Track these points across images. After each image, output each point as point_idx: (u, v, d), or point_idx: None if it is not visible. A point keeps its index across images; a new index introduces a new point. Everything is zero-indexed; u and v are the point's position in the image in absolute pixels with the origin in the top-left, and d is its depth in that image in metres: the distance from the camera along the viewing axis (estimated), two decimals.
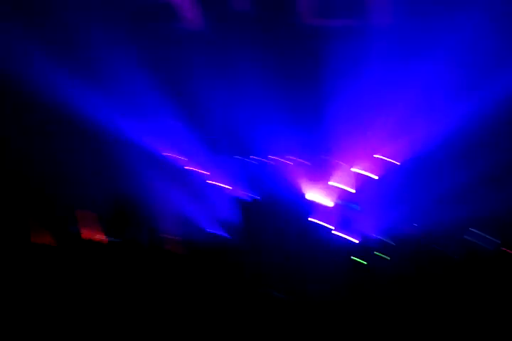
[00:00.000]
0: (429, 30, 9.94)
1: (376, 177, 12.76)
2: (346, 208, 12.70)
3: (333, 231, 12.24)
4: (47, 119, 10.98)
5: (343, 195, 13.09)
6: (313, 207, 12.90)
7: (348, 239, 11.73)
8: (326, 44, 10.53)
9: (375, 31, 10.47)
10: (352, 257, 11.35)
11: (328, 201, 13.19)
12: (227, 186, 13.29)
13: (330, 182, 13.16)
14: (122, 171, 11.62)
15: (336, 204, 12.92)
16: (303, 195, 13.14)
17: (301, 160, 13.44)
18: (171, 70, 11.36)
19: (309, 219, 12.58)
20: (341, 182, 13.14)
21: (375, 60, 10.73)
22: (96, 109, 11.10)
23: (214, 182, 13.34)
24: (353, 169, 13.01)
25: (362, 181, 13.01)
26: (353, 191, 12.98)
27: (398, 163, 12.48)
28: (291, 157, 13.44)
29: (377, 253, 11.32)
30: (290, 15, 9.62)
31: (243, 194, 13.28)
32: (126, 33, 10.12)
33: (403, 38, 10.16)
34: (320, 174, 13.34)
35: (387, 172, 12.58)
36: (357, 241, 11.84)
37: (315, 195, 13.17)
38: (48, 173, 11.04)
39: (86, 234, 10.74)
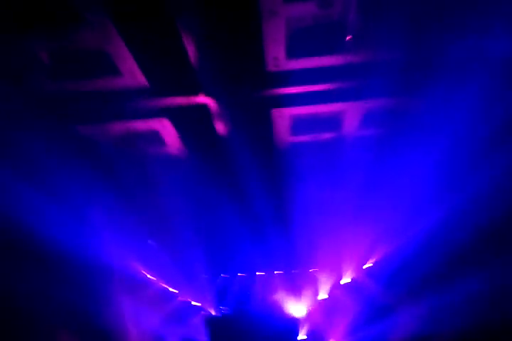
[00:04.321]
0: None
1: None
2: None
3: None
4: None
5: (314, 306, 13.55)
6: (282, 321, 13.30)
7: None
8: (298, 158, 10.23)
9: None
10: None
11: (299, 313, 13.48)
12: (197, 303, 14.00)
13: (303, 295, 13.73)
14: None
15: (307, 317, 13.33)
16: (273, 309, 13.59)
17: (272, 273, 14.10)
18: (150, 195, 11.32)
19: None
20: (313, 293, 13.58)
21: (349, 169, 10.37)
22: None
23: (184, 300, 14.00)
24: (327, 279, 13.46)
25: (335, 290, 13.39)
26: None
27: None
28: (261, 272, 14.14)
29: None
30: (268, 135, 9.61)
31: (213, 310, 13.98)
32: None
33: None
34: (292, 286, 13.77)
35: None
36: None
37: (287, 307, 13.59)
38: None
39: None
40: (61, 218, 10.21)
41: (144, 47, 7.33)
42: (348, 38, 7.21)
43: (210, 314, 13.75)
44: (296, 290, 13.53)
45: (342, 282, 12.89)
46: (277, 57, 7.56)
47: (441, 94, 7.93)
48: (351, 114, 8.96)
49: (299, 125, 9.21)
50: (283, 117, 8.98)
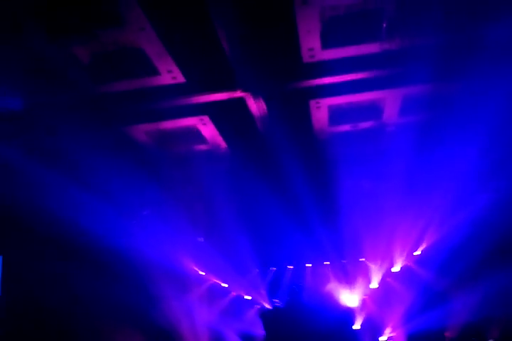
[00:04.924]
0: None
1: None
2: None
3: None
4: None
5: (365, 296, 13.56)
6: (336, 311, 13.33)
7: None
8: (339, 148, 10.15)
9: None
10: None
11: (352, 303, 13.43)
12: (248, 296, 14.07)
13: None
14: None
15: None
16: (326, 299, 13.58)
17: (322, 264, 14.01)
18: (196, 191, 11.45)
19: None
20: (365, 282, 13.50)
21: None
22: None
23: (237, 294, 14.13)
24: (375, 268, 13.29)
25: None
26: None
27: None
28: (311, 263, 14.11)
29: None
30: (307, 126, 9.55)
31: (267, 303, 14.01)
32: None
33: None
34: (343, 276, 13.80)
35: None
36: None
37: (340, 297, 13.61)
38: None
39: None
40: (112, 218, 10.56)
41: (180, 45, 7.33)
42: (384, 25, 7.08)
43: (264, 307, 13.87)
44: (347, 280, 13.49)
45: (393, 270, 12.77)
46: (313, 47, 7.48)
47: (481, 78, 7.72)
48: (391, 102, 8.82)
49: (338, 115, 9.15)
50: (321, 108, 8.93)
